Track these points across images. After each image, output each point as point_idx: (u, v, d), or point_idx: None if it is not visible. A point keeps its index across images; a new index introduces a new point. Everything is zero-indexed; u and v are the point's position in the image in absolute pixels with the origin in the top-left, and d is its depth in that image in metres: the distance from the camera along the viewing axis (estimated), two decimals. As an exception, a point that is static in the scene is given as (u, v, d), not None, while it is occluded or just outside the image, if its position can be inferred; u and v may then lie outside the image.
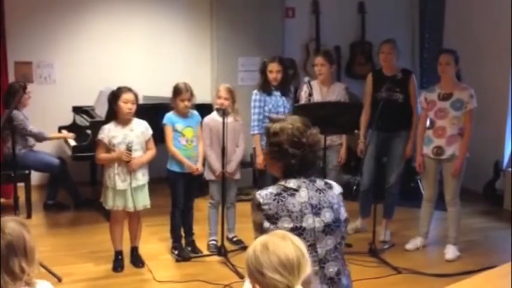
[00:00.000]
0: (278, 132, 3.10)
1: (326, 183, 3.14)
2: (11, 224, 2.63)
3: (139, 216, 5.79)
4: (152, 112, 6.19)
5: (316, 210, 3.02)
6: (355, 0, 9.78)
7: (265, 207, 2.98)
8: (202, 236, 6.36)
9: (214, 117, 6.12)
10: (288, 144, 3.06)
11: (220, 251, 5.94)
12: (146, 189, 5.68)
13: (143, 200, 5.66)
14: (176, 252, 6.07)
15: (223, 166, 5.93)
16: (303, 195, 3.03)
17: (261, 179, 6.26)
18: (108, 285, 5.43)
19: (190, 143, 5.93)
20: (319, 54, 6.61)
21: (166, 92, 6.18)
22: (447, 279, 5.31)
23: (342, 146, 6.57)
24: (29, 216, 7.15)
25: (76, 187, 7.70)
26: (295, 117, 3.19)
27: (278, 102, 6.23)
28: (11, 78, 8.11)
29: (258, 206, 3.00)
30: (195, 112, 6.04)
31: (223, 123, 5.78)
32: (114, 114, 5.55)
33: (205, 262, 5.98)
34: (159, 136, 5.85)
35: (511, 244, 6.13)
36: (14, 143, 6.09)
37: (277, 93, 6.25)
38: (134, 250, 5.88)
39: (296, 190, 3.03)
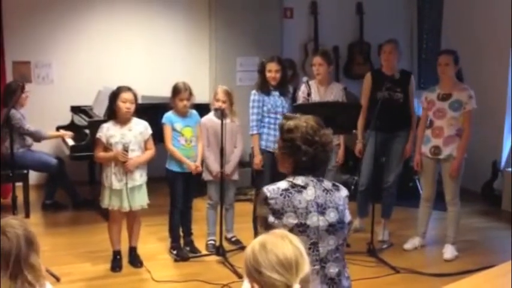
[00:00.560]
0: (292, 129, 3.13)
1: (334, 185, 3.17)
2: (15, 221, 2.61)
3: (138, 216, 5.76)
4: (151, 112, 6.16)
5: (322, 209, 3.04)
6: (354, 1, 9.78)
7: (272, 201, 2.99)
8: (201, 236, 6.35)
9: (211, 117, 6.12)
10: (301, 141, 3.09)
11: (219, 250, 5.93)
12: (144, 189, 5.66)
13: (140, 200, 5.63)
14: (175, 252, 6.05)
15: (221, 167, 5.93)
16: (310, 193, 3.04)
17: (258, 179, 6.25)
18: (106, 285, 5.41)
19: (189, 143, 5.92)
20: (317, 54, 6.60)
21: (165, 92, 6.18)
22: (445, 278, 5.31)
23: (340, 146, 6.56)
24: (27, 215, 7.14)
25: (74, 187, 7.68)
26: (310, 116, 3.21)
27: (277, 102, 6.21)
28: (9, 78, 8.09)
29: (264, 200, 3.02)
30: (194, 112, 6.03)
31: (222, 124, 5.77)
32: (113, 114, 5.54)
33: (204, 262, 5.97)
34: (158, 136, 5.84)
35: (511, 244, 6.13)
36: (12, 143, 6.08)
37: (276, 93, 6.22)
38: (132, 250, 5.86)
39: (304, 187, 3.05)
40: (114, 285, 5.42)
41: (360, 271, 5.46)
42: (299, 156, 3.08)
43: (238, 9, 8.80)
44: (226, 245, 6.16)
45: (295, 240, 2.28)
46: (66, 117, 8.29)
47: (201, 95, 7.34)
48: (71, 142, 7.42)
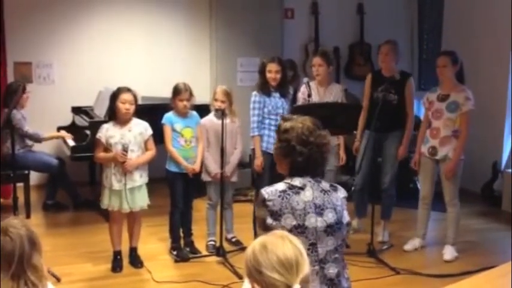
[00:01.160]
0: (288, 130, 3.15)
1: (332, 186, 3.17)
2: (17, 221, 2.60)
3: (138, 216, 5.77)
4: (151, 112, 6.16)
5: (320, 210, 3.04)
6: (354, 2, 9.79)
7: (270, 203, 2.99)
8: (201, 236, 6.35)
9: (211, 118, 6.13)
10: (296, 141, 3.09)
11: (219, 251, 5.92)
12: (144, 190, 5.66)
13: (140, 201, 5.63)
14: (175, 252, 6.06)
15: (221, 167, 5.93)
16: (308, 194, 3.04)
17: (259, 180, 6.25)
18: (106, 286, 5.42)
19: (188, 144, 5.92)
20: (316, 54, 6.60)
21: (166, 93, 6.18)
22: (446, 279, 5.30)
23: (340, 147, 6.56)
24: (28, 216, 7.15)
25: (75, 187, 7.69)
26: (307, 117, 3.22)
27: (277, 103, 6.20)
28: (10, 79, 8.11)
29: (262, 202, 3.02)
30: (195, 113, 6.03)
31: (222, 124, 5.78)
32: (113, 114, 5.55)
33: (204, 262, 5.97)
34: (158, 136, 5.84)
35: (511, 245, 6.13)
36: (13, 143, 6.08)
37: (277, 95, 6.22)
38: (133, 250, 5.86)
39: (301, 188, 3.05)
40: (115, 286, 5.42)
41: (359, 272, 5.46)
42: (294, 156, 3.09)
43: (239, 10, 8.81)
44: (227, 246, 6.16)
45: (295, 240, 2.29)
46: (67, 118, 8.30)
47: (202, 96, 7.34)
48: (71, 143, 7.42)
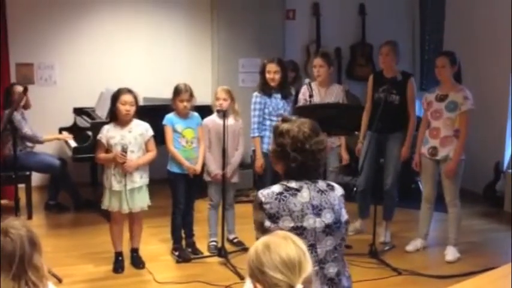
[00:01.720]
0: (284, 134, 3.10)
1: (328, 185, 3.14)
2: (17, 222, 2.61)
3: (139, 217, 5.77)
4: (152, 113, 6.15)
5: (317, 211, 3.02)
6: (356, 2, 9.78)
7: (267, 206, 2.97)
8: (203, 237, 6.35)
9: (213, 118, 6.13)
10: (291, 148, 3.06)
11: (221, 252, 5.92)
12: (144, 191, 5.66)
13: (140, 202, 5.63)
14: (177, 253, 6.06)
15: (223, 168, 5.93)
16: (305, 195, 3.03)
17: (260, 181, 6.26)
18: (108, 287, 5.42)
19: (190, 144, 5.93)
20: (317, 55, 6.60)
21: (167, 94, 6.18)
22: (447, 280, 5.31)
23: (342, 147, 6.57)
24: (29, 217, 7.15)
25: (76, 188, 7.69)
26: (305, 121, 3.17)
27: (278, 104, 6.21)
28: (13, 80, 8.11)
29: (259, 205, 3.00)
30: (196, 114, 6.04)
31: (224, 125, 5.78)
32: (114, 115, 5.56)
33: (206, 263, 5.96)
34: (160, 137, 5.84)
35: (511, 246, 6.12)
36: (15, 144, 6.08)
37: (278, 96, 6.23)
38: (134, 251, 5.87)
39: (298, 190, 3.03)
40: (116, 287, 5.43)
41: (361, 273, 5.45)
42: (288, 162, 3.07)
43: (240, 11, 8.79)
44: (228, 246, 6.15)
45: (298, 241, 2.29)
46: (69, 119, 8.30)
47: (203, 97, 7.33)
48: (73, 144, 7.42)
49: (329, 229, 3.04)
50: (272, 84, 6.16)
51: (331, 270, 3.04)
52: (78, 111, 8.27)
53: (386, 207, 6.66)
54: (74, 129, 8.06)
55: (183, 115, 5.90)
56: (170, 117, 5.90)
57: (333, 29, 9.56)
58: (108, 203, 5.57)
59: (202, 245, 6.27)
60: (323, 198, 3.06)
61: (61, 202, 7.63)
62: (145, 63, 8.91)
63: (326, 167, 6.17)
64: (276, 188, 3.06)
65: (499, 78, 8.22)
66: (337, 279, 3.05)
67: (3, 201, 7.50)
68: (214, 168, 6.05)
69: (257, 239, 2.46)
